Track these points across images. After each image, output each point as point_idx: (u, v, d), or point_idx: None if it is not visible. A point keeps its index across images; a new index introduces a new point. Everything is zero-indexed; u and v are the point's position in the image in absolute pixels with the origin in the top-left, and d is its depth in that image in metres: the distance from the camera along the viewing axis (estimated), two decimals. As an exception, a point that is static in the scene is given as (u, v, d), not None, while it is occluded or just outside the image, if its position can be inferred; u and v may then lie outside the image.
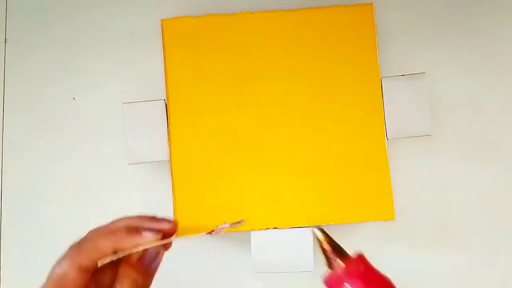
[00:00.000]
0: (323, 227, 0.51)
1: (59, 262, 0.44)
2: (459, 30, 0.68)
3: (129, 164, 0.59)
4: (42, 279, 0.68)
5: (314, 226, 0.48)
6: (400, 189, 0.63)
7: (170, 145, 0.58)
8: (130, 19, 0.71)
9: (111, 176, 0.70)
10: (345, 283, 0.44)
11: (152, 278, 0.47)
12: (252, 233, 0.58)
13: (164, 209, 0.65)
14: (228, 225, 0.47)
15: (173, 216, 0.58)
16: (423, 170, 0.66)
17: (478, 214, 0.65)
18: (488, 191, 0.66)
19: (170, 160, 0.58)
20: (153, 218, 0.47)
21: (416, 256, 0.65)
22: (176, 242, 0.67)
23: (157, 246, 0.45)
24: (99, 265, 0.43)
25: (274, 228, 0.57)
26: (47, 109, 0.71)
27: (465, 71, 0.67)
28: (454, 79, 0.67)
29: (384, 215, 0.57)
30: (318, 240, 0.48)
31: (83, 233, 0.68)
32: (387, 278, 0.45)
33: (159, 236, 0.45)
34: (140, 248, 0.44)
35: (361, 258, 0.46)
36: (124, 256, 0.44)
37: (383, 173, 0.57)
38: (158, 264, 0.48)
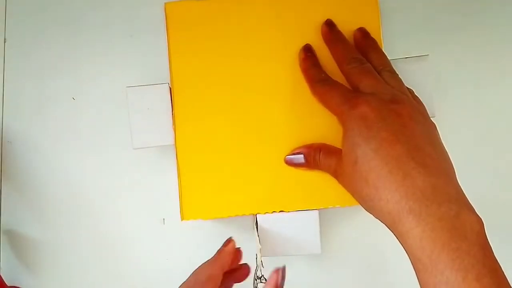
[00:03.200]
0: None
1: None
2: (464, 11, 0.68)
3: (134, 149, 0.59)
4: (42, 279, 0.68)
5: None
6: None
7: (175, 129, 0.58)
8: (130, 12, 0.72)
9: (114, 172, 0.70)
10: None
11: None
12: (258, 216, 0.57)
13: (170, 194, 0.65)
14: None
15: (179, 200, 0.58)
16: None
17: (483, 195, 0.65)
18: (493, 172, 0.66)
19: (176, 144, 0.58)
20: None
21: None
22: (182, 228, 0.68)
23: None
24: None
25: (280, 211, 0.57)
26: (47, 109, 0.71)
27: (470, 52, 0.68)
28: (458, 60, 0.67)
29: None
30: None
31: (84, 232, 0.68)
32: None
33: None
34: None
35: None
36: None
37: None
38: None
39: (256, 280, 0.53)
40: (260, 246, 0.56)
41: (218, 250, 0.54)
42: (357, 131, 0.48)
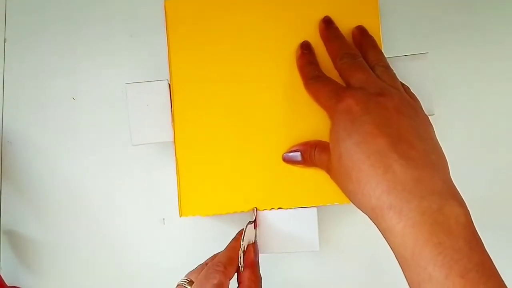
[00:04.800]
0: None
1: None
2: (463, 10, 0.68)
3: (133, 145, 0.59)
4: (42, 279, 0.68)
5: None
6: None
7: (174, 126, 0.58)
8: (130, 11, 0.72)
9: (114, 172, 0.70)
10: None
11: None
12: (257, 213, 0.57)
13: (169, 186, 0.65)
14: None
15: (177, 198, 0.58)
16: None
17: (481, 193, 0.65)
18: (493, 170, 0.66)
19: (174, 141, 0.58)
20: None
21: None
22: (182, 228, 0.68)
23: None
24: None
25: (278, 208, 0.57)
26: (47, 109, 0.71)
27: (469, 50, 0.67)
28: (457, 59, 0.67)
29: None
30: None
31: (84, 232, 0.68)
32: None
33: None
34: None
35: None
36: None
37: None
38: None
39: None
40: (247, 240, 0.56)
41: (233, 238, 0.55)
42: (342, 125, 0.48)
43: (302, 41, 0.58)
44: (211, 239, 0.68)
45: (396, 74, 0.54)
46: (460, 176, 0.65)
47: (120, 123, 0.69)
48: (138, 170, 0.69)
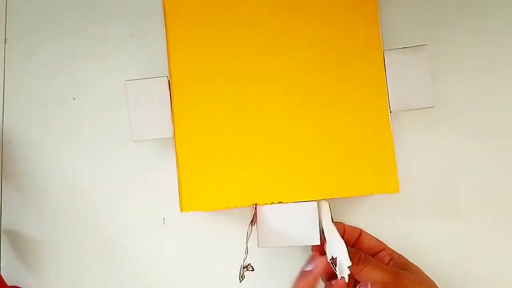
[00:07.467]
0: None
1: None
2: (462, 2, 0.68)
3: (134, 141, 0.59)
4: (43, 279, 0.68)
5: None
6: (403, 161, 0.63)
7: (174, 122, 0.58)
8: (130, 12, 0.72)
9: (114, 172, 0.70)
10: None
11: None
12: (257, 207, 0.57)
13: (169, 186, 0.65)
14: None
15: (178, 193, 0.58)
16: (426, 142, 0.66)
17: (482, 186, 0.65)
18: (492, 163, 0.65)
19: (174, 137, 0.58)
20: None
21: (418, 228, 0.64)
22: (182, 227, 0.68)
23: None
24: None
25: (278, 202, 0.57)
26: (48, 109, 0.71)
27: (468, 42, 0.68)
28: (457, 51, 0.67)
29: (389, 187, 0.57)
30: None
31: (85, 232, 0.68)
32: None
33: None
34: None
35: None
36: None
37: (387, 146, 0.57)
38: None
39: (242, 269, 0.53)
40: (249, 237, 0.56)
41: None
42: None
43: (301, 37, 0.59)
44: (212, 239, 0.68)
45: (396, 67, 0.54)
46: (460, 170, 0.66)
47: (120, 123, 0.69)
48: (138, 169, 0.69)
